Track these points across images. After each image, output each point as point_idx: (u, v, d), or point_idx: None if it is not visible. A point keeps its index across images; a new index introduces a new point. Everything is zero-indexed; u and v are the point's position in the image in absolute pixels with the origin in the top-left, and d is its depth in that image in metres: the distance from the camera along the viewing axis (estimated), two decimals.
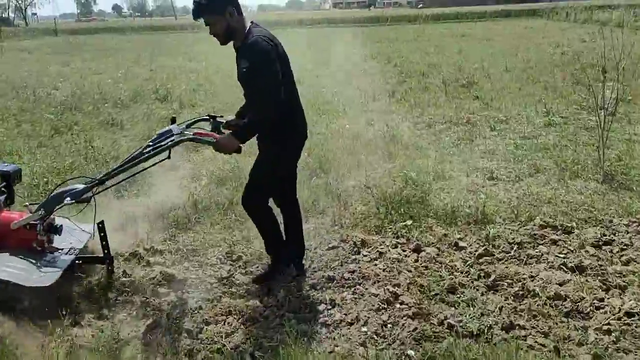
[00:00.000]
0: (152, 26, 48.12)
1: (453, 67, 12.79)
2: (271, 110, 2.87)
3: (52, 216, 2.96)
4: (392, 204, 4.46)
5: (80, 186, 2.78)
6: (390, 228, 4.11)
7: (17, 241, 2.88)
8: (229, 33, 2.95)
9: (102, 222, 3.03)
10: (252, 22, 3.03)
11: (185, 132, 2.92)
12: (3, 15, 70.87)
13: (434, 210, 4.39)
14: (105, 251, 3.10)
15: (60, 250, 3.05)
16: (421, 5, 64.91)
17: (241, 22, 2.96)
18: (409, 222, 4.17)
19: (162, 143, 2.81)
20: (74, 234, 3.17)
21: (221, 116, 3.38)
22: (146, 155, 2.81)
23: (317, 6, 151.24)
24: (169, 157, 2.96)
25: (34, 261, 2.81)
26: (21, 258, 2.80)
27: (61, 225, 3.04)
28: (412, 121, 7.76)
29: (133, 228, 4.20)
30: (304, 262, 3.61)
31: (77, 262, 3.08)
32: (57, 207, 2.82)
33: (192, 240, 4.00)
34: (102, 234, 3.05)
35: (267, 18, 50.06)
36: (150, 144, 2.86)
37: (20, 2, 77.93)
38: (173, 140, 2.81)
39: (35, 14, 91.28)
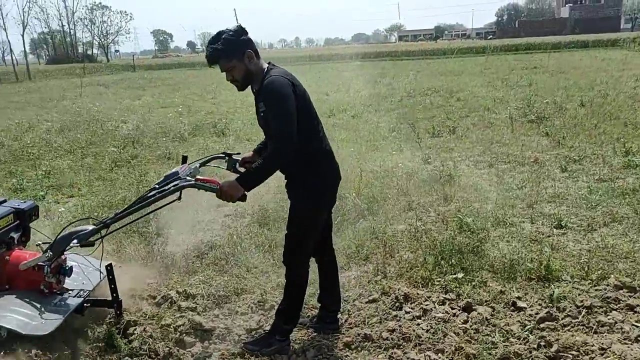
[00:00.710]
0: None
1: (521, 101, 12.17)
2: (282, 155, 2.62)
3: (64, 255, 2.86)
4: (442, 253, 4.07)
5: (90, 227, 2.65)
6: (439, 281, 3.72)
7: (25, 282, 2.81)
8: (248, 78, 2.78)
9: (110, 265, 2.92)
10: (269, 63, 2.86)
11: (188, 178, 2.73)
12: (88, 52, 76.54)
13: (489, 262, 3.95)
14: (114, 295, 2.96)
15: (70, 292, 2.94)
16: (490, 36, 63.74)
17: (259, 65, 2.80)
18: (460, 275, 3.76)
19: (165, 188, 2.65)
20: (88, 272, 3.06)
21: (238, 153, 3.21)
22: (151, 199, 2.65)
23: (382, 39, 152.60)
24: (179, 199, 2.81)
25: (38, 305, 2.70)
26: (26, 301, 2.70)
27: (71, 267, 2.93)
28: (472, 160, 7.31)
29: (171, 268, 4.09)
30: (339, 316, 3.31)
31: (85, 304, 2.94)
32: (65, 249, 2.70)
33: (225, 284, 3.79)
34: (110, 277, 2.93)
35: (331, 52, 50.89)
36: (157, 187, 2.70)
37: (103, 40, 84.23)
38: (176, 185, 2.64)
39: (117, 50, 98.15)
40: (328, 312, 3.26)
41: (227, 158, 3.16)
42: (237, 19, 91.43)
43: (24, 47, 42.24)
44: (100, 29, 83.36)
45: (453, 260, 3.96)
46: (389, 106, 13.00)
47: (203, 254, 4.39)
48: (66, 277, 2.93)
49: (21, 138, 10.06)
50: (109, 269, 2.91)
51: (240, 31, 2.71)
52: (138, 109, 14.56)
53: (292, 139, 2.59)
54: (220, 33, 2.69)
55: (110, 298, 3.02)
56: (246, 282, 3.84)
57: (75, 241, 2.58)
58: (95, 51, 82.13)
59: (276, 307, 3.19)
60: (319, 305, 3.32)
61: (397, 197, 5.61)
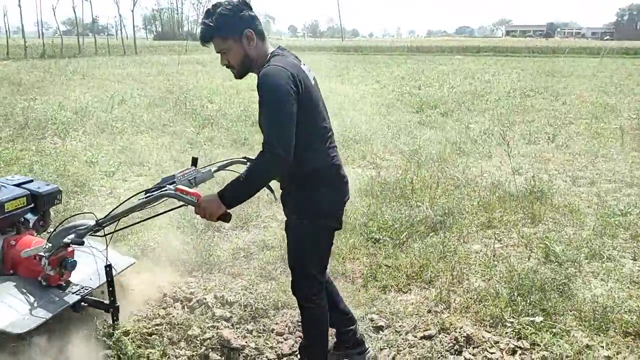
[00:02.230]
0: (317, 46, 50.28)
1: (636, 111, 10.79)
2: (271, 165, 2.10)
3: (71, 247, 2.66)
4: (520, 287, 3.46)
5: (89, 223, 2.42)
6: (511, 322, 3.14)
7: (27, 271, 2.67)
8: (246, 63, 2.29)
9: (109, 266, 2.66)
10: (278, 48, 2.37)
11: (170, 187, 2.27)
12: (192, 31, 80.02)
13: (577, 306, 3.30)
14: (112, 298, 2.70)
15: (72, 287, 2.74)
16: (607, 37, 58.61)
17: (262, 49, 2.30)
18: (538, 319, 3.15)
19: (149, 195, 2.29)
20: (100, 268, 2.81)
21: None
22: (136, 206, 2.32)
23: (488, 33, 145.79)
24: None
25: (32, 299, 2.53)
26: (22, 292, 2.55)
27: (74, 262, 2.70)
28: (570, 175, 6.44)
29: (215, 268, 3.83)
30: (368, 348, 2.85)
31: (82, 303, 2.72)
32: (62, 242, 2.49)
33: (267, 294, 3.46)
34: (109, 279, 2.67)
35: (431, 43, 49.27)
36: (152, 188, 2.36)
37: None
38: (157, 193, 2.26)
39: None
40: (345, 334, 2.80)
41: (248, 163, 2.71)
42: (339, 7, 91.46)
43: (133, 22, 44.86)
44: (206, 7, 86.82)
45: (532, 298, 3.35)
46: (484, 106, 12.07)
47: (252, 255, 4.09)
48: (71, 271, 2.72)
49: (111, 111, 10.40)
50: (108, 270, 2.66)
51: (240, 5, 2.23)
52: (227, 90, 14.70)
53: (285, 146, 2.06)
54: (215, 6, 2.25)
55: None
56: (289, 296, 3.48)
57: (72, 236, 2.37)
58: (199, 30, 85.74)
59: (299, 342, 2.80)
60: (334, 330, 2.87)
61: (477, 212, 4.99)
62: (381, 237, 4.37)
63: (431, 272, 3.79)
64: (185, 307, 3.28)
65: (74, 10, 48.71)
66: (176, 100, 11.93)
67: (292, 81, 2.12)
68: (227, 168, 2.78)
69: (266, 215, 4.95)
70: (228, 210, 2.15)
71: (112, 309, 2.72)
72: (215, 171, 2.68)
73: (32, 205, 2.75)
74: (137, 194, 2.42)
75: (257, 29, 2.27)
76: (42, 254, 2.52)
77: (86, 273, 2.86)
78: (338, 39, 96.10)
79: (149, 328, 3.00)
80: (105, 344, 2.74)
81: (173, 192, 2.21)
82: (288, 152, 2.07)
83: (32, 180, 2.87)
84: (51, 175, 5.68)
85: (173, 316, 3.12)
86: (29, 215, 2.79)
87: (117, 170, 6.26)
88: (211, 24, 2.21)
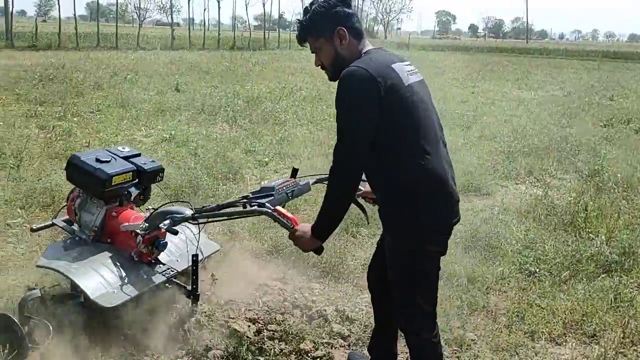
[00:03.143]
0: (497, 47, 47.46)
1: None
2: (340, 184, 1.94)
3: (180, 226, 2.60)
4: None
5: (187, 212, 2.38)
6: None
7: (123, 243, 2.74)
8: (338, 64, 2.04)
9: (196, 256, 2.67)
10: (377, 48, 2.10)
11: (268, 205, 2.18)
12: (368, 28, 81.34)
13: None
14: (194, 286, 2.71)
15: (160, 266, 2.76)
16: None
17: (356, 48, 2.06)
18: None
19: (247, 208, 2.26)
20: (190, 251, 2.78)
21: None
22: (233, 213, 2.35)
23: None
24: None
25: (123, 273, 2.59)
26: (116, 264, 2.62)
27: (165, 243, 2.72)
28: None
29: (344, 278, 3.60)
30: None
31: (166, 284, 2.75)
32: (157, 225, 2.50)
33: None
34: (194, 268, 2.67)
35: (634, 49, 43.39)
36: (250, 195, 2.33)
37: (385, 16, 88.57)
38: (254, 209, 2.21)
39: (399, 28, 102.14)
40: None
41: None
42: (527, 5, 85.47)
43: None
44: (385, 5, 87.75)
45: None
46: None
47: None
48: (161, 251, 2.76)
49: (278, 102, 10.84)
50: (195, 259, 2.66)
51: (335, 1, 2.02)
52: None
53: (353, 160, 1.91)
54: (312, 3, 2.07)
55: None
56: None
57: (167, 222, 2.38)
58: (377, 27, 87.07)
59: None
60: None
61: None
62: (537, 270, 3.75)
63: (596, 323, 3.10)
64: (304, 315, 3.11)
65: (264, 6, 52.73)
66: None
67: (372, 83, 1.87)
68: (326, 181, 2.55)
69: None
70: (322, 244, 2.04)
71: (193, 296, 2.72)
72: (314, 183, 2.58)
73: (136, 180, 2.81)
74: (242, 197, 2.37)
75: (352, 27, 2.05)
76: (138, 231, 2.58)
77: (175, 254, 2.89)
78: (522, 40, 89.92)
79: (266, 333, 2.89)
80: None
81: (271, 212, 2.14)
82: (357, 166, 1.93)
83: (139, 154, 2.93)
84: (209, 160, 6.00)
85: (289, 324, 2.95)
86: (132, 189, 2.85)
87: (271, 160, 6.42)
88: (304, 23, 2.07)
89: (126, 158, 2.81)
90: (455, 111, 10.55)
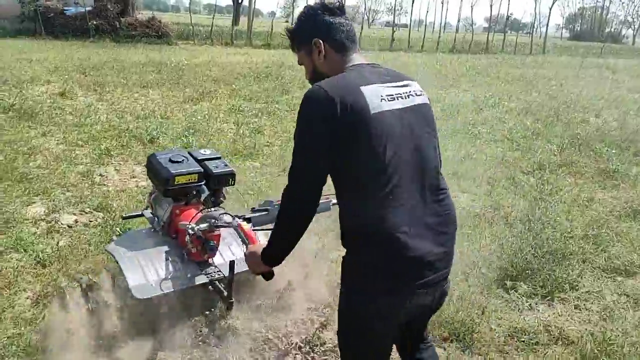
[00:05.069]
0: None
1: None
2: (292, 206, 1.72)
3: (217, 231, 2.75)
4: None
5: (227, 219, 2.46)
6: None
7: (182, 241, 2.82)
8: (316, 79, 1.80)
9: (232, 262, 2.68)
10: (362, 65, 1.80)
11: (238, 220, 2.33)
12: (615, 32, 71.13)
13: None
14: (229, 293, 2.73)
15: (209, 267, 2.84)
16: None
17: (337, 63, 1.81)
18: None
19: (226, 221, 2.43)
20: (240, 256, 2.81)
21: None
22: (223, 223, 2.47)
23: None
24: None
25: (170, 267, 2.72)
26: (167, 257, 2.76)
27: (214, 246, 2.75)
28: None
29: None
30: None
31: (209, 287, 2.84)
32: (205, 226, 2.60)
33: None
34: (230, 276, 2.69)
35: None
36: (255, 208, 2.48)
37: (636, 20, 76.20)
38: (223, 223, 2.44)
39: None
40: None
41: None
42: None
43: (548, 20, 42.53)
44: (637, 7, 75.55)
45: None
46: None
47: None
48: (210, 253, 2.81)
49: (478, 112, 9.95)
50: (231, 265, 2.67)
51: (317, 9, 1.83)
52: (627, 104, 12.19)
53: (302, 184, 1.69)
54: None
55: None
56: None
57: (204, 225, 2.56)
58: (625, 32, 75.69)
59: None
60: None
61: None
62: None
63: None
64: None
65: (490, 8, 50.07)
66: (554, 110, 10.53)
67: (328, 104, 1.61)
68: None
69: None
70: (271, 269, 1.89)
71: (227, 303, 2.75)
72: (335, 204, 2.31)
73: (204, 181, 2.88)
74: (256, 209, 2.47)
75: (333, 39, 1.81)
76: (189, 230, 2.61)
77: (224, 258, 2.92)
78: None
79: None
80: None
81: (235, 225, 2.24)
82: (306, 190, 1.69)
83: (218, 158, 2.99)
84: None
85: None
86: (202, 190, 2.93)
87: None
88: (288, 33, 1.90)
89: (200, 160, 2.90)
90: None
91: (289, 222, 1.74)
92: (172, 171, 2.73)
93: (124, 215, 3.42)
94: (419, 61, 21.30)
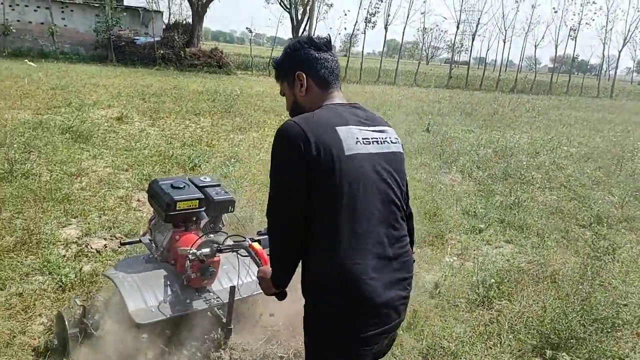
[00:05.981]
0: None
1: None
2: (277, 241, 1.73)
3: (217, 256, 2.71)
4: None
5: (243, 241, 2.38)
6: None
7: (180, 267, 2.81)
8: (296, 113, 1.80)
9: (233, 288, 2.70)
10: (339, 104, 1.77)
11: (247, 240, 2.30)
12: None
13: None
14: (228, 319, 2.75)
15: (207, 294, 2.83)
16: None
17: (316, 99, 1.80)
18: None
19: (231, 243, 2.45)
20: (240, 283, 2.76)
21: None
22: (230, 246, 2.46)
23: None
24: None
25: (169, 292, 2.72)
26: (166, 283, 2.75)
27: (213, 272, 2.76)
28: None
29: None
30: None
31: (208, 313, 2.87)
32: (201, 253, 2.56)
33: None
34: (230, 301, 2.71)
35: None
36: (262, 231, 2.37)
37: None
38: (235, 245, 2.39)
39: None
40: None
41: None
42: None
43: (617, 62, 40.58)
44: None
45: None
46: None
47: None
48: (209, 279, 2.81)
49: (535, 156, 9.47)
50: (232, 291, 2.69)
51: (303, 43, 1.84)
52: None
53: (281, 220, 1.69)
54: None
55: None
56: None
57: (205, 250, 2.54)
58: None
59: None
60: None
61: None
62: None
63: None
64: None
65: (556, 48, 48.66)
66: (618, 157, 9.89)
67: (302, 140, 1.60)
68: None
69: None
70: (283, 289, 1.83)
71: (225, 329, 2.76)
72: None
73: (204, 208, 2.86)
74: (262, 232, 2.39)
75: (317, 74, 1.80)
76: (189, 256, 2.58)
77: (224, 285, 2.89)
78: None
79: None
80: None
81: (246, 245, 2.24)
82: (286, 224, 1.68)
83: (218, 185, 2.99)
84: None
85: None
86: (201, 217, 2.92)
87: (488, 228, 5.42)
88: (273, 64, 1.91)
89: (201, 187, 2.90)
90: None
91: (281, 254, 1.75)
92: (174, 197, 2.74)
93: (122, 242, 3.49)
94: (475, 100, 20.84)
